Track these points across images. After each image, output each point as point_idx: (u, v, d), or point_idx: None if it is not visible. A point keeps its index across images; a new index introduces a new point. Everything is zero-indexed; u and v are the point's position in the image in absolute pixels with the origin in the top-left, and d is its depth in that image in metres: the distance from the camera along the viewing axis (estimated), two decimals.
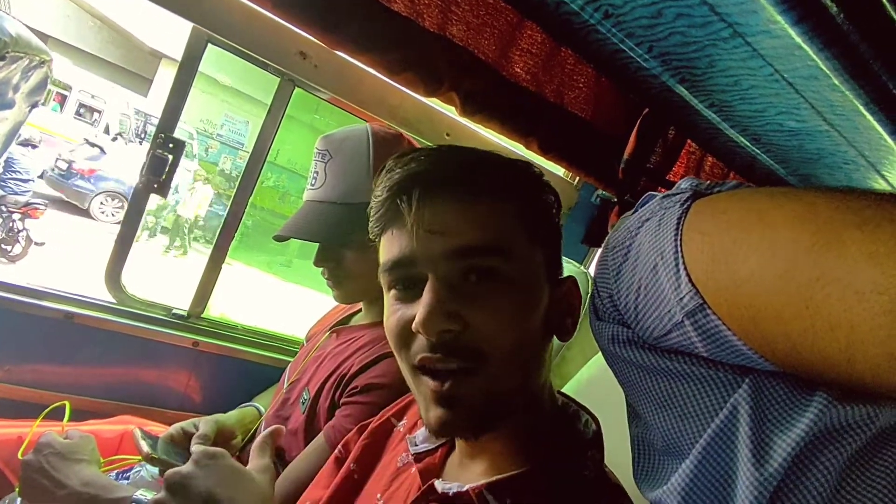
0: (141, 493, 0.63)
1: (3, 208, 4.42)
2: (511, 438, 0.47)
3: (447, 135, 1.24)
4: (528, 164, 0.49)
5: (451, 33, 0.96)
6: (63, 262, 4.74)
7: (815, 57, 0.73)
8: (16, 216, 4.42)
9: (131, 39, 10.61)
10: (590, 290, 0.53)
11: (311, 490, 0.65)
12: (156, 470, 0.83)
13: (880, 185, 1.24)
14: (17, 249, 4.48)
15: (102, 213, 6.59)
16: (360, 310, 0.97)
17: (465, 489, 0.44)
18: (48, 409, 0.78)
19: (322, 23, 0.85)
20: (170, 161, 1.06)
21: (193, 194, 6.65)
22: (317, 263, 0.87)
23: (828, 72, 0.76)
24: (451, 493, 0.45)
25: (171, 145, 1.05)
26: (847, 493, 0.27)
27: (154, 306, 1.18)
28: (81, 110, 8.47)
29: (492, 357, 0.42)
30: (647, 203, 0.38)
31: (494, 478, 0.44)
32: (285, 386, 0.92)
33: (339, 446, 0.67)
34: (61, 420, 0.75)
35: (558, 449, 0.47)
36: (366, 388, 0.74)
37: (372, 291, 0.87)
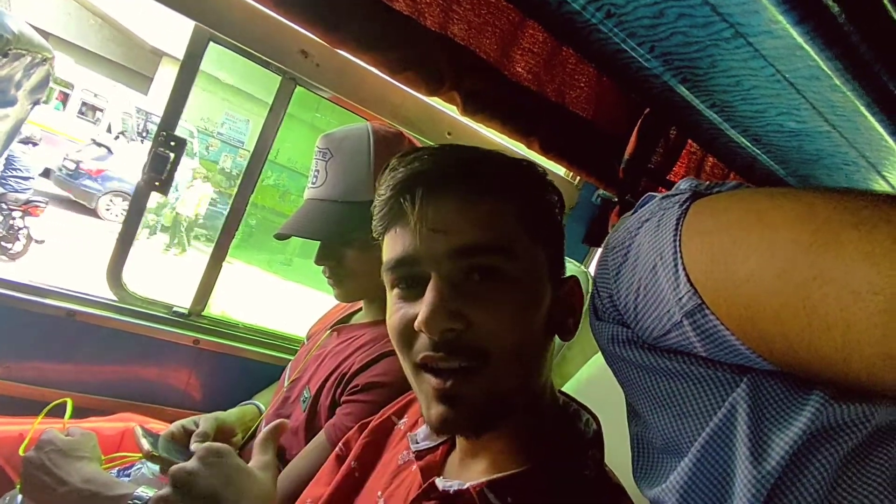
0: (142, 491, 0.63)
1: (4, 206, 4.42)
2: (512, 437, 0.47)
3: (448, 134, 1.24)
4: (531, 164, 0.50)
5: (453, 32, 0.97)
6: (67, 260, 4.75)
7: (816, 57, 0.73)
8: (16, 214, 4.43)
9: (132, 37, 10.60)
10: (590, 290, 0.53)
11: (312, 488, 0.65)
12: (156, 467, 0.84)
13: (881, 185, 1.24)
14: (18, 247, 4.48)
15: (109, 211, 6.62)
16: (360, 308, 0.97)
17: (465, 487, 0.44)
18: (49, 406, 0.78)
19: (324, 21, 0.85)
20: (171, 159, 1.06)
21: (193, 192, 6.65)
22: (318, 262, 0.87)
23: (829, 72, 0.76)
24: (451, 491, 0.45)
25: (172, 143, 1.05)
26: (843, 490, 0.27)
27: (155, 304, 1.18)
28: (84, 109, 8.47)
29: (494, 356, 0.42)
30: (646, 203, 0.39)
31: (495, 476, 0.44)
32: (286, 384, 0.92)
33: (340, 444, 0.67)
34: (62, 417, 0.75)
35: (559, 448, 0.47)
36: (367, 386, 0.75)
37: (373, 290, 0.87)
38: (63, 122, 7.88)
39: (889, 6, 0.65)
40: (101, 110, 8.47)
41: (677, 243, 0.32)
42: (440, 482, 0.47)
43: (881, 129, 0.90)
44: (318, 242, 0.87)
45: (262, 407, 1.00)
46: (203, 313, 1.23)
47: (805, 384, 0.29)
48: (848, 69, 0.74)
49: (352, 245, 0.84)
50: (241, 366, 1.24)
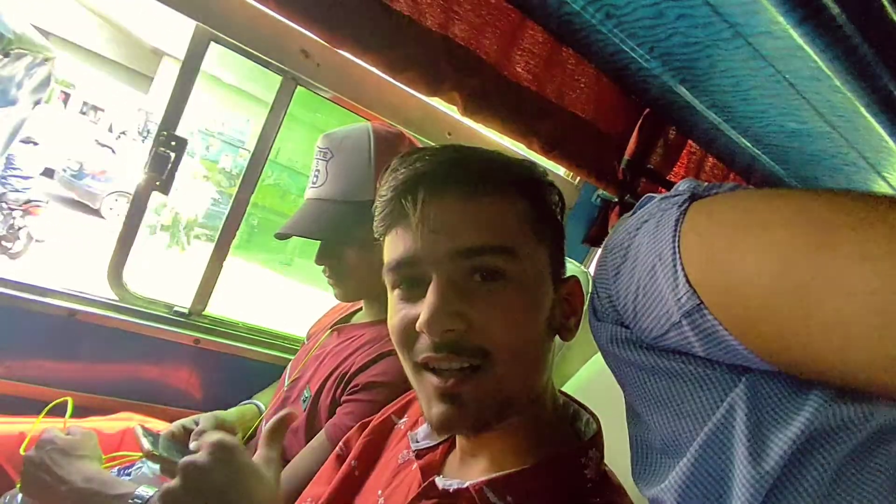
0: (142, 490, 0.63)
1: (4, 205, 4.42)
2: (512, 436, 0.47)
3: (449, 134, 1.24)
4: (532, 164, 0.50)
5: (453, 33, 0.97)
6: (69, 259, 4.76)
7: (816, 58, 0.73)
8: (16, 213, 4.43)
9: (132, 37, 10.60)
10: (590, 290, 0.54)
11: (312, 487, 0.65)
12: (157, 466, 0.84)
13: (881, 186, 1.24)
14: (18, 247, 4.48)
15: (112, 211, 6.65)
16: (360, 308, 0.97)
17: (465, 486, 0.45)
18: (50, 405, 0.78)
19: (325, 21, 0.85)
20: (172, 158, 1.06)
21: (192, 192, 6.67)
22: (318, 261, 0.87)
23: (829, 73, 0.76)
24: (451, 490, 0.46)
25: (173, 143, 1.06)
26: (842, 491, 0.27)
27: (156, 304, 1.18)
28: (85, 108, 8.48)
29: (496, 356, 0.42)
30: (645, 205, 0.39)
31: (495, 475, 0.44)
32: (286, 384, 0.93)
33: (341, 443, 0.68)
34: (63, 416, 0.75)
35: (559, 447, 0.47)
36: (367, 386, 0.75)
37: (373, 289, 0.87)
38: (64, 121, 7.89)
39: (889, 7, 0.65)
40: (102, 110, 8.48)
41: (676, 244, 0.32)
42: (440, 481, 0.47)
43: (881, 131, 0.90)
44: (319, 242, 0.87)
45: (262, 406, 1.00)
46: (204, 313, 1.24)
47: (804, 384, 0.29)
48: (848, 70, 0.74)
49: (352, 245, 0.84)
50: (242, 365, 1.24)
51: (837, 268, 0.24)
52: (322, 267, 0.88)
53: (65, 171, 6.51)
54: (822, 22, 0.66)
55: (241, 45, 0.98)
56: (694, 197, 0.34)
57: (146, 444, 0.71)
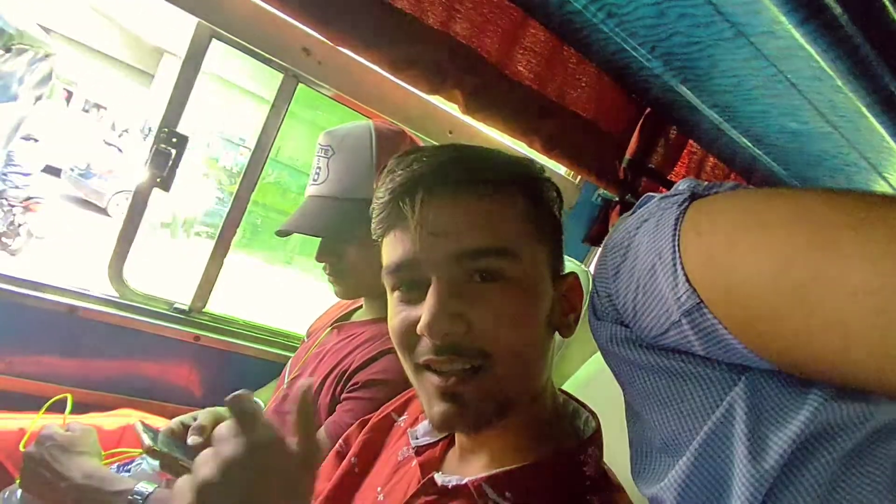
0: (142, 486, 0.63)
1: (4, 202, 4.42)
2: (512, 434, 0.47)
3: (450, 132, 1.24)
4: (529, 161, 0.50)
5: (455, 31, 0.97)
6: (72, 256, 4.78)
7: (818, 58, 0.73)
8: (17, 210, 4.43)
9: (133, 35, 10.59)
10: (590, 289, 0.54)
11: None
12: (157, 463, 0.83)
13: (882, 187, 1.24)
14: (18, 243, 4.48)
15: (119, 209, 6.69)
16: (360, 306, 0.97)
17: (464, 482, 0.45)
18: (50, 401, 0.78)
19: (326, 19, 0.85)
20: (173, 156, 1.06)
21: (191, 190, 6.68)
22: (318, 259, 0.87)
23: (831, 73, 0.76)
24: (450, 486, 0.46)
25: (174, 140, 1.06)
26: (842, 490, 0.27)
27: (156, 300, 1.18)
28: (87, 106, 8.48)
29: (496, 356, 0.43)
30: (645, 204, 0.39)
31: (494, 471, 0.44)
32: (286, 381, 0.93)
33: (340, 441, 0.68)
34: (63, 412, 0.76)
35: (558, 445, 0.47)
36: (367, 383, 0.75)
37: (373, 287, 0.87)
38: (67, 119, 7.90)
39: (891, 8, 0.65)
40: (105, 108, 8.48)
41: (676, 243, 0.32)
42: (439, 477, 0.47)
43: (883, 131, 0.90)
44: (319, 239, 0.87)
45: (262, 404, 1.00)
46: (204, 310, 1.24)
47: (803, 383, 0.29)
48: (850, 70, 0.74)
49: (352, 242, 0.84)
50: (242, 362, 1.24)
51: (837, 267, 0.24)
52: (322, 264, 0.88)
53: (72, 170, 6.63)
54: (823, 22, 0.66)
55: (242, 42, 0.98)
56: (694, 196, 0.34)
57: (146, 440, 0.71)
